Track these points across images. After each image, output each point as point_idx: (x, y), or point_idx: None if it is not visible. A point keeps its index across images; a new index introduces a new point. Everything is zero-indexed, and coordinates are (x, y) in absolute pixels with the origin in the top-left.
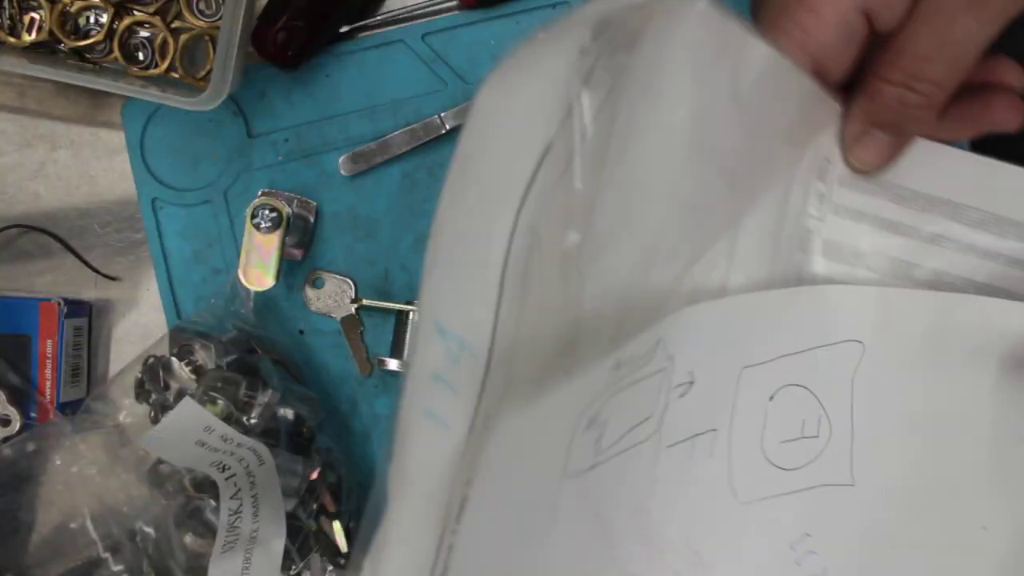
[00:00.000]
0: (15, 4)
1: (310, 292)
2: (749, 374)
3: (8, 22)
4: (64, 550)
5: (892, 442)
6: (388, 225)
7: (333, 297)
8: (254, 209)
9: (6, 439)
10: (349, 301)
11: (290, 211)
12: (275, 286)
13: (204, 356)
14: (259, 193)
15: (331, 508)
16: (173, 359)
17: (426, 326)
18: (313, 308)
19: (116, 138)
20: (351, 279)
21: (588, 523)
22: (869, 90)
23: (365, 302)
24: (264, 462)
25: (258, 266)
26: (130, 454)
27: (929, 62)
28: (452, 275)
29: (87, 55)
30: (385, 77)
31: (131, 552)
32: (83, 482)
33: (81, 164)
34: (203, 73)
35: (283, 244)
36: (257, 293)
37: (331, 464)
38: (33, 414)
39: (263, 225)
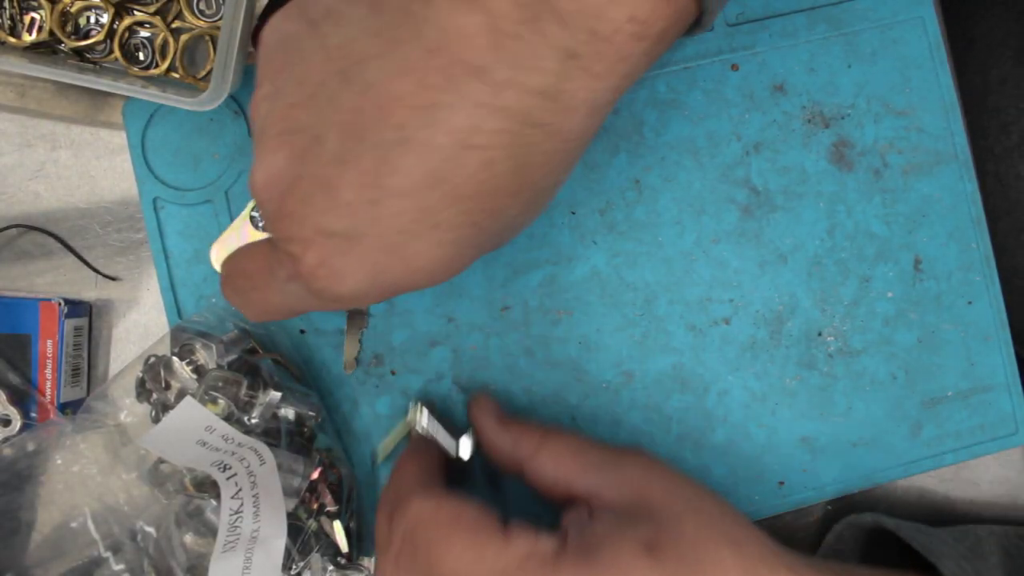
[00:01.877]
0: (15, 4)
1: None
2: None
3: (8, 22)
4: (65, 549)
5: None
6: None
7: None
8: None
9: (6, 439)
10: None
11: None
12: None
13: (205, 355)
14: None
15: (332, 508)
16: (174, 358)
17: None
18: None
19: (117, 138)
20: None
21: None
22: None
23: None
24: (265, 462)
25: (231, 251)
26: (131, 453)
27: None
28: None
29: (87, 55)
30: None
31: (132, 551)
32: (84, 481)
33: (81, 164)
34: (203, 73)
35: None
36: None
37: (331, 464)
38: (33, 414)
39: (261, 223)
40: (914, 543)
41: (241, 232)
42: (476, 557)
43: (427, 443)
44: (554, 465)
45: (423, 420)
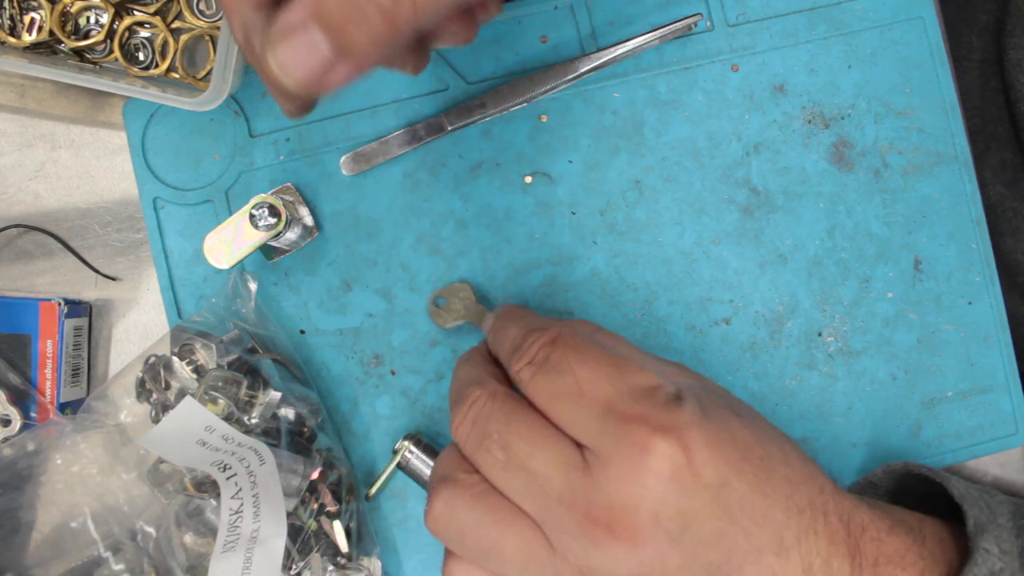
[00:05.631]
0: (15, 4)
1: (434, 312)
2: None
3: (8, 22)
4: (65, 549)
5: None
6: (389, 225)
7: (460, 304)
8: (260, 202)
9: (6, 439)
10: (476, 300)
11: (289, 218)
12: (276, 285)
13: (205, 355)
14: (273, 189)
15: (331, 508)
16: (174, 358)
17: None
18: (450, 326)
19: (116, 138)
20: (466, 281)
21: None
22: None
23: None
24: (265, 462)
25: (225, 244)
26: (131, 453)
27: None
28: None
29: (87, 55)
30: (386, 76)
31: (132, 551)
32: (84, 481)
33: (81, 164)
34: (203, 73)
35: (263, 245)
36: (257, 293)
37: (331, 464)
38: (33, 414)
39: (260, 223)
40: (923, 470)
41: (238, 227)
42: (615, 371)
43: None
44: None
45: (411, 455)
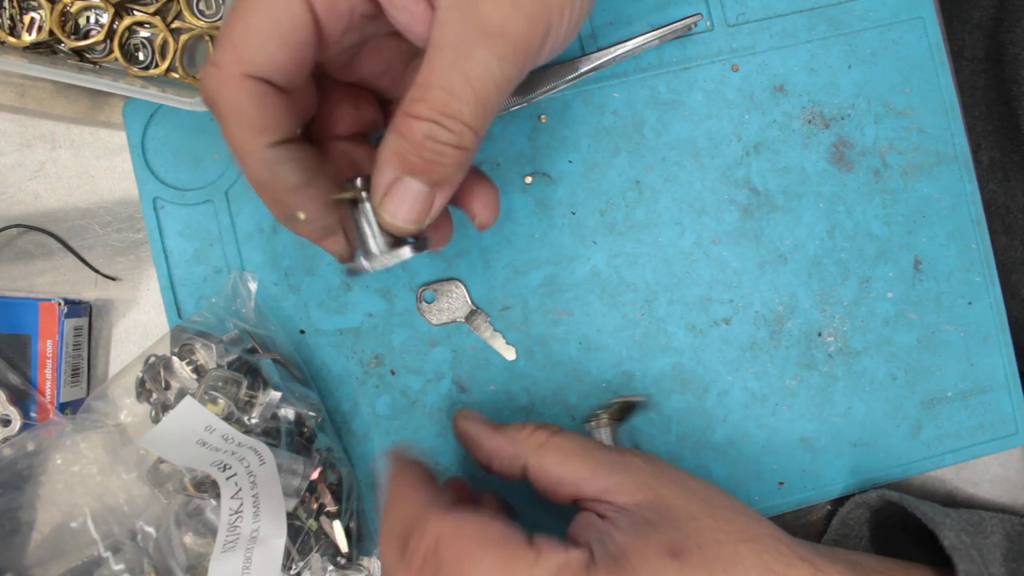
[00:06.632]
0: (15, 4)
1: (426, 307)
2: None
3: (8, 22)
4: (65, 549)
5: None
6: None
7: (448, 302)
8: None
9: (6, 439)
10: (467, 299)
11: None
12: (276, 285)
13: (205, 355)
14: None
15: (331, 508)
16: (174, 358)
17: None
18: (437, 322)
19: (116, 138)
20: (456, 279)
21: None
22: (399, 128)
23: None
24: (265, 462)
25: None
26: (131, 453)
27: (456, 99)
28: None
29: (87, 55)
30: None
31: (132, 551)
32: (84, 481)
33: (81, 164)
34: None
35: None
36: (257, 293)
37: (331, 464)
38: (33, 414)
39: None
40: (916, 512)
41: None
42: (507, 572)
43: (411, 464)
44: (560, 463)
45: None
